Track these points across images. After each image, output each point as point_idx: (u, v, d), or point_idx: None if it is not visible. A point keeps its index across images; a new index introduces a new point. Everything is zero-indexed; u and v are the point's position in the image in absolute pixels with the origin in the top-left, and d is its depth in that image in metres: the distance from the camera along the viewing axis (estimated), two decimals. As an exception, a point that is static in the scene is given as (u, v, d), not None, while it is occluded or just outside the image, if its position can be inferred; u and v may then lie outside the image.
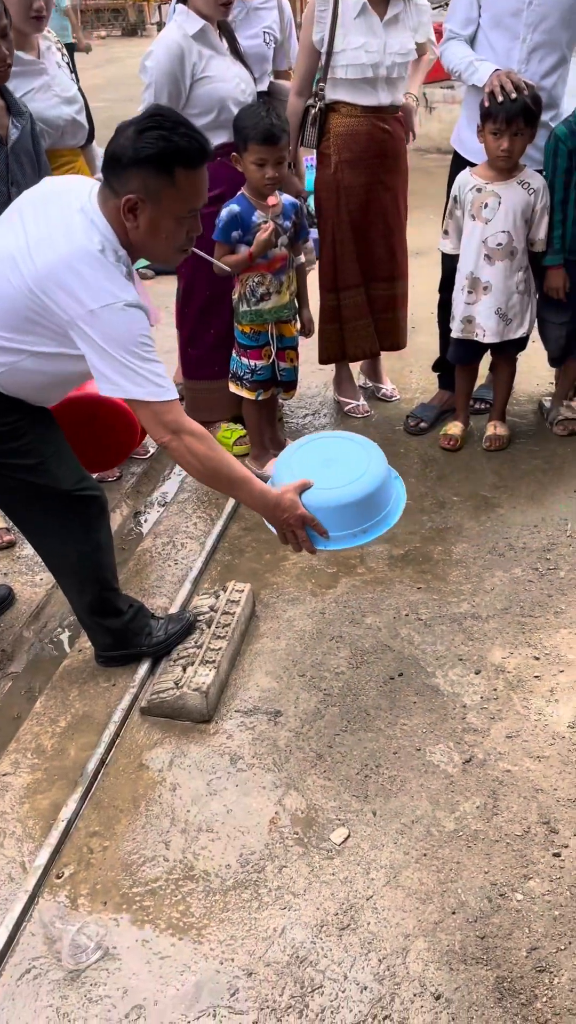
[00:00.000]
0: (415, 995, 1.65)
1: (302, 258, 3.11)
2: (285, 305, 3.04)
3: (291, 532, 2.06)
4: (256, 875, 1.88)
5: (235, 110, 2.91)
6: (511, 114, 2.83)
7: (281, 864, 1.90)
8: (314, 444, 2.23)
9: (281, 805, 2.03)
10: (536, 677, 2.34)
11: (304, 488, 2.05)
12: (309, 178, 3.41)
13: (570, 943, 1.71)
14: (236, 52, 3.05)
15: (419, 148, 7.49)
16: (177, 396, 1.92)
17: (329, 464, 2.12)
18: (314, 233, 3.34)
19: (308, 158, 3.49)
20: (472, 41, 3.06)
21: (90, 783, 2.09)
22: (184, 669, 2.32)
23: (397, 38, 3.04)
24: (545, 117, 2.98)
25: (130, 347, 1.84)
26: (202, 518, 3.11)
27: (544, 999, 1.63)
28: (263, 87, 3.28)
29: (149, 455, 3.42)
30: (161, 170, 1.81)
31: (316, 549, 2.09)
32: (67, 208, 1.88)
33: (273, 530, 2.11)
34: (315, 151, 3.27)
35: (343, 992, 1.66)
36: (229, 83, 2.97)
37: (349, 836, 1.95)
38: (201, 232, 1.97)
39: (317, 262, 3.44)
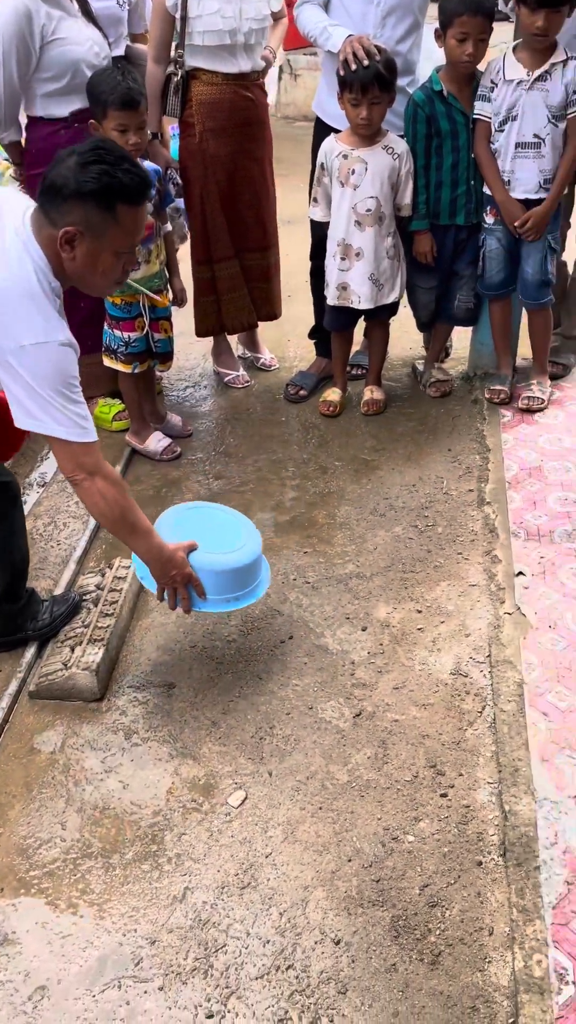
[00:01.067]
0: (316, 943, 1.70)
1: (169, 226, 3.07)
2: (155, 275, 2.99)
3: (172, 589, 2.13)
4: (155, 846, 1.89)
5: (89, 74, 2.82)
6: (365, 82, 2.85)
7: (180, 832, 1.91)
8: (196, 511, 2.34)
9: (178, 775, 2.04)
10: (419, 629, 2.43)
11: (191, 549, 2.12)
12: (172, 148, 3.35)
13: (459, 877, 1.80)
14: (88, 14, 2.95)
15: (286, 116, 7.50)
16: (96, 438, 1.94)
17: (212, 531, 2.22)
18: (180, 203, 3.29)
19: (172, 127, 3.43)
20: (327, 5, 3.07)
21: (-20, 772, 2.04)
22: (72, 649, 2.29)
23: (252, 3, 3.01)
24: (402, 83, 3.02)
25: (58, 387, 1.84)
26: (84, 497, 3.05)
27: (437, 932, 1.71)
28: (120, 51, 3.19)
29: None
30: (103, 206, 1.81)
31: (192, 609, 2.17)
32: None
33: (150, 587, 2.17)
34: (178, 120, 3.22)
35: (246, 948, 1.69)
36: (82, 46, 2.87)
37: (246, 798, 1.98)
38: (137, 266, 1.97)
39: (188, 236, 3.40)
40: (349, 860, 1.84)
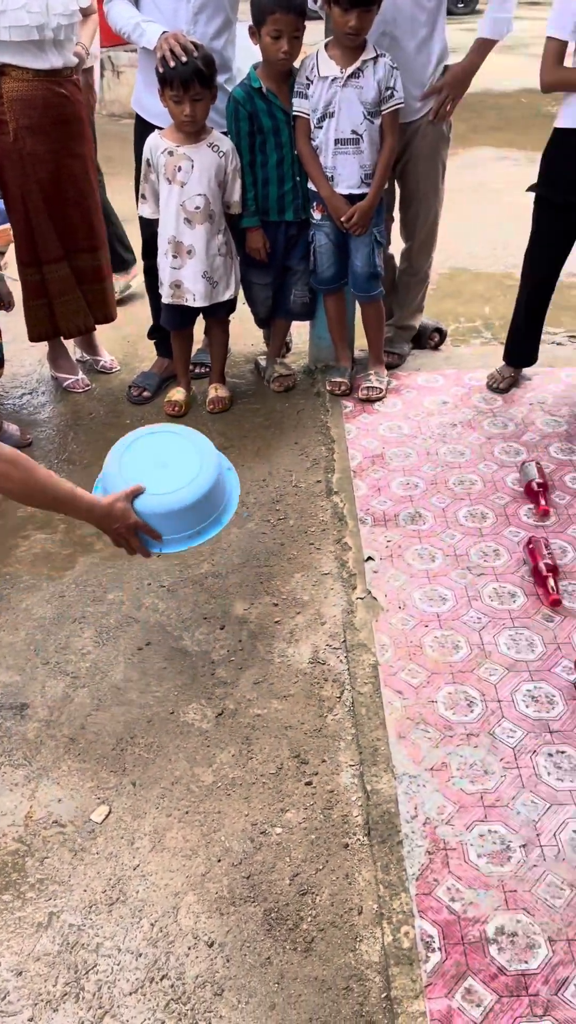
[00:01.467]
0: (189, 948, 1.68)
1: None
2: (-22, 280, 2.87)
3: (123, 539, 2.05)
4: (15, 875, 1.81)
5: None
6: (185, 78, 2.83)
7: (42, 856, 1.84)
8: (143, 441, 2.18)
9: (35, 798, 1.97)
10: (276, 622, 2.44)
11: (136, 494, 2.03)
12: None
13: (327, 862, 1.83)
14: None
15: (111, 113, 7.37)
16: None
17: (161, 466, 2.10)
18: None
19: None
20: (137, 1, 3.03)
21: None
22: None
23: (60, -2, 2.94)
24: (220, 79, 3.02)
25: None
26: None
27: (309, 919, 1.73)
28: None
29: None
30: None
31: (151, 553, 2.10)
32: None
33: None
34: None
35: (118, 965, 1.65)
36: None
37: (110, 812, 1.94)
38: None
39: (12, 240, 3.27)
40: (219, 860, 1.84)
